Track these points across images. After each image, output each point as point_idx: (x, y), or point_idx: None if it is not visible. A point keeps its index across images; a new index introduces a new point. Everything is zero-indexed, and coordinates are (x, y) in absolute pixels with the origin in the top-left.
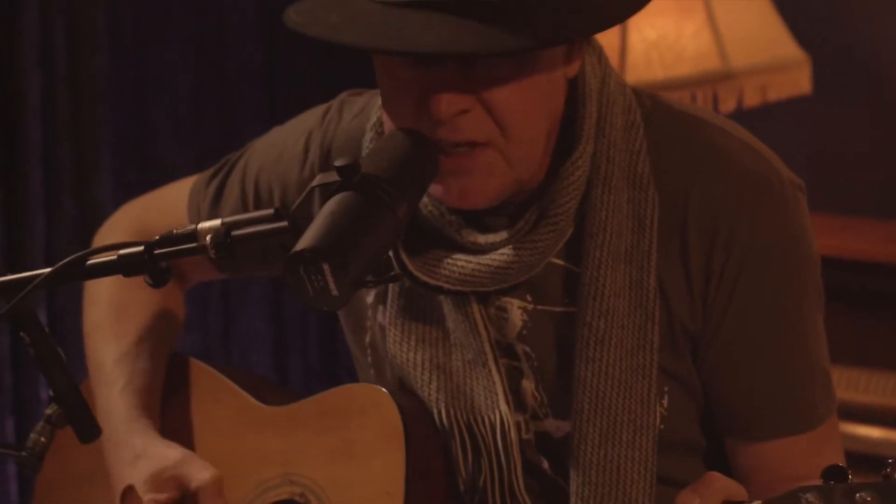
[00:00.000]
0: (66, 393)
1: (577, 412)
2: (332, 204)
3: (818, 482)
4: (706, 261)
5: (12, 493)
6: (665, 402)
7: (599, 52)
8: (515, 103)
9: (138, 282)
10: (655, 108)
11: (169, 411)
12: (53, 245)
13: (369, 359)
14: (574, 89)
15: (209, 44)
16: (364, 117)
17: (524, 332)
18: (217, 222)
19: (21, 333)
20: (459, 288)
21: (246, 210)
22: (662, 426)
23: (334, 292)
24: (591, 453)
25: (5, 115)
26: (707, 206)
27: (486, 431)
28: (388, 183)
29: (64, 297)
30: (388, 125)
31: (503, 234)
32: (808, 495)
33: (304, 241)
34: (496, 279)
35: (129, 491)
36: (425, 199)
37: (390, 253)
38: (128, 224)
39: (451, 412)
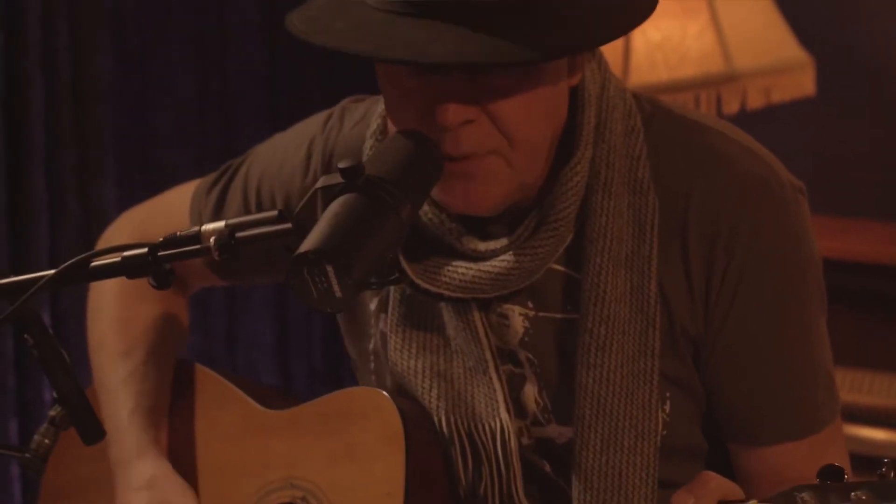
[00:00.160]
0: (70, 395)
1: (578, 418)
2: (335, 206)
3: (814, 482)
4: (707, 265)
5: (16, 494)
6: (667, 407)
7: (599, 58)
8: (520, 114)
9: (141, 294)
10: (655, 113)
11: (173, 416)
12: (57, 248)
13: (371, 365)
14: (574, 95)
15: (211, 46)
16: (364, 125)
17: (526, 338)
18: (221, 224)
19: (25, 335)
20: (460, 295)
21: None
22: (665, 431)
23: (338, 294)
24: (593, 459)
25: (9, 119)
26: (707, 210)
27: (487, 439)
28: (391, 185)
29: (68, 299)
30: (392, 130)
31: (503, 241)
32: (803, 494)
33: (308, 243)
34: (497, 285)
35: None
36: (425, 207)
37: (395, 254)
38: (130, 230)
39: (452, 420)
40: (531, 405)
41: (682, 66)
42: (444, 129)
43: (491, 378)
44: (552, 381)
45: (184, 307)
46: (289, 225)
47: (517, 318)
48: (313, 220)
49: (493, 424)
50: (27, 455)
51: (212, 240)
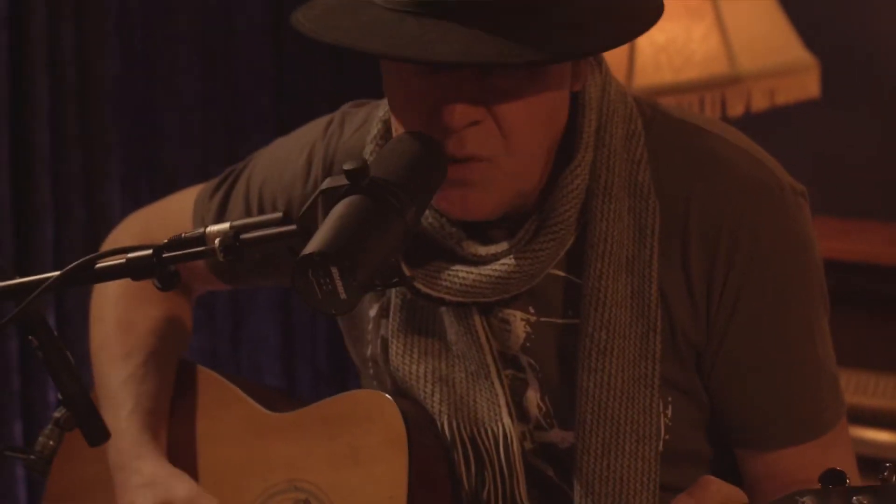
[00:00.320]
0: (75, 396)
1: (579, 423)
2: (340, 207)
3: (816, 486)
4: (708, 269)
5: (20, 496)
6: (669, 412)
7: (600, 61)
8: (524, 117)
9: (144, 297)
10: (655, 117)
11: (175, 418)
12: (62, 250)
13: (371, 371)
14: (575, 98)
15: (217, 49)
16: (365, 130)
17: (528, 343)
18: (226, 226)
19: (29, 337)
20: (461, 299)
21: None
22: (667, 436)
23: (342, 296)
24: (594, 464)
25: (14, 121)
26: (708, 214)
27: (490, 444)
28: (396, 187)
29: (72, 300)
30: (397, 131)
31: (504, 245)
32: (805, 499)
33: (313, 245)
34: (497, 290)
35: None
36: (426, 212)
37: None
38: (135, 233)
39: (454, 424)
40: (533, 410)
41: (687, 68)
42: (449, 129)
43: (493, 383)
44: (554, 385)
45: (187, 310)
46: (293, 227)
47: (519, 323)
48: (317, 223)
49: (495, 429)
50: (32, 456)
51: (216, 241)
